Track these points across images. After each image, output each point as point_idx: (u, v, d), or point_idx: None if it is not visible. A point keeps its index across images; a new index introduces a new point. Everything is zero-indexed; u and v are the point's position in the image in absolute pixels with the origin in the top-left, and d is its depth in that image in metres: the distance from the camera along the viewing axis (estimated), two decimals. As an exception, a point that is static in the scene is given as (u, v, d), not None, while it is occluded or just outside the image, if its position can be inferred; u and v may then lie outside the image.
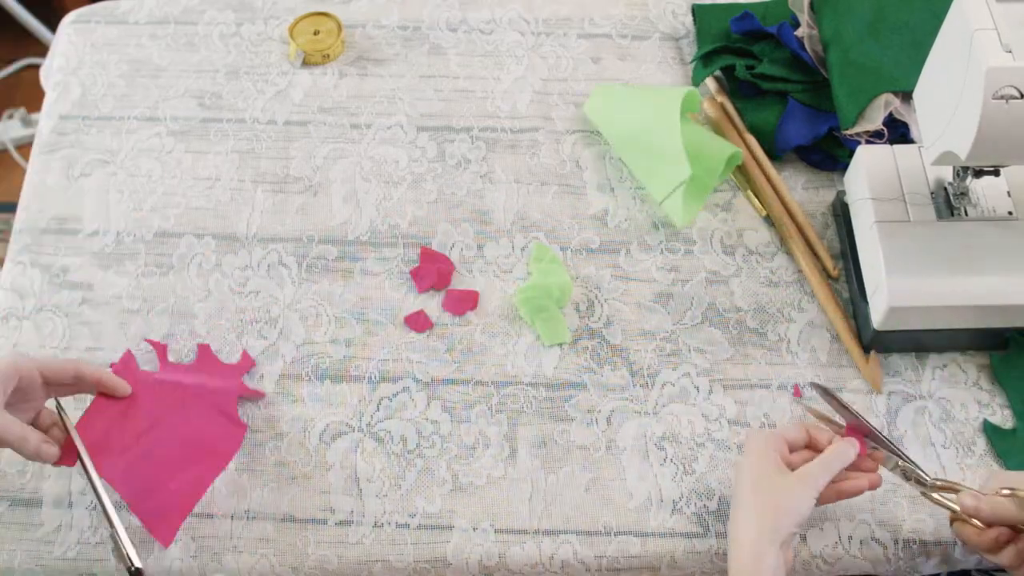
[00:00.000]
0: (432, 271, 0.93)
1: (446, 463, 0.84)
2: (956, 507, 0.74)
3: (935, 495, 0.76)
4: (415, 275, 0.93)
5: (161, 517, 0.79)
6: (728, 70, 1.03)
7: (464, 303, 0.92)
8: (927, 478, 0.76)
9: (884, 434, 0.77)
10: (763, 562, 0.71)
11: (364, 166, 1.01)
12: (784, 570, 0.72)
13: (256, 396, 0.87)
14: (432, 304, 0.92)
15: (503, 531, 0.81)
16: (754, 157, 0.99)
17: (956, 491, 0.74)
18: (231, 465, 0.84)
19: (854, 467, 0.76)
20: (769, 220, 0.97)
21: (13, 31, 1.97)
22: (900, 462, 0.76)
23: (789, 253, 0.95)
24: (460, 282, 0.93)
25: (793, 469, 0.75)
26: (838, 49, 0.98)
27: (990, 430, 0.84)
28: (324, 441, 0.85)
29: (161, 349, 0.89)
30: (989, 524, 0.72)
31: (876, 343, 0.87)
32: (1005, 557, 0.72)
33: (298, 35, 1.08)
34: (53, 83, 1.08)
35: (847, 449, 0.76)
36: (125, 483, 0.79)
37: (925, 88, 0.81)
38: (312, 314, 0.92)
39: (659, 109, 0.95)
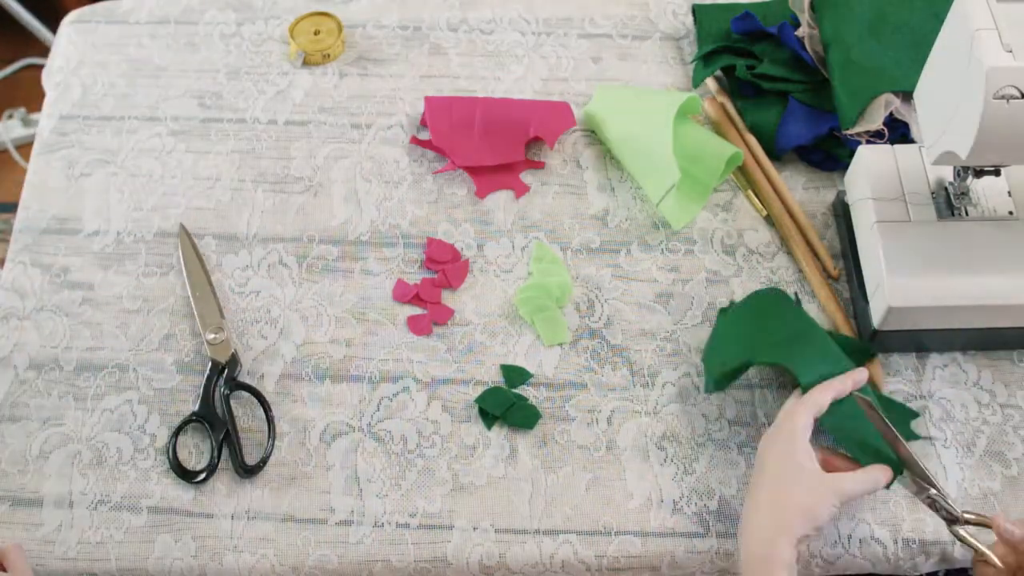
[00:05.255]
0: (455, 269, 0.93)
1: (446, 463, 0.84)
2: (981, 547, 0.71)
3: (961, 531, 0.72)
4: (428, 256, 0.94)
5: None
6: (728, 70, 1.03)
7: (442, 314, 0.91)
8: (957, 512, 0.72)
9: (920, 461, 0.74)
10: (776, 556, 0.69)
11: (364, 166, 1.01)
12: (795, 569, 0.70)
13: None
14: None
15: (503, 531, 0.81)
16: (754, 157, 0.99)
17: (987, 525, 0.71)
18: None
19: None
20: (769, 220, 0.96)
21: (13, 31, 1.96)
22: (932, 492, 0.73)
23: (789, 253, 0.95)
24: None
25: (828, 468, 0.74)
26: (839, 49, 0.98)
27: None
28: (324, 441, 0.85)
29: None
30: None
31: (876, 343, 0.87)
32: None
33: (298, 35, 1.08)
34: (53, 83, 1.08)
35: (882, 476, 0.74)
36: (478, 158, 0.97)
37: (926, 88, 0.81)
38: (312, 314, 0.92)
39: (655, 112, 0.95)
